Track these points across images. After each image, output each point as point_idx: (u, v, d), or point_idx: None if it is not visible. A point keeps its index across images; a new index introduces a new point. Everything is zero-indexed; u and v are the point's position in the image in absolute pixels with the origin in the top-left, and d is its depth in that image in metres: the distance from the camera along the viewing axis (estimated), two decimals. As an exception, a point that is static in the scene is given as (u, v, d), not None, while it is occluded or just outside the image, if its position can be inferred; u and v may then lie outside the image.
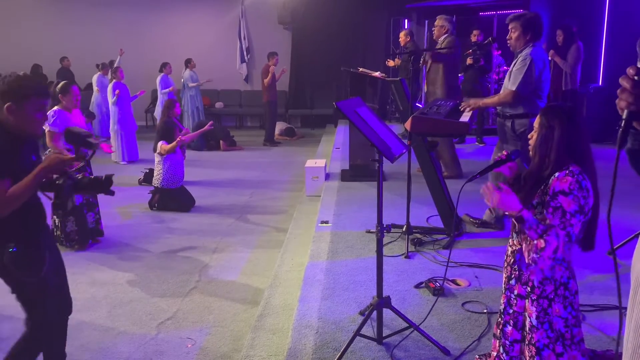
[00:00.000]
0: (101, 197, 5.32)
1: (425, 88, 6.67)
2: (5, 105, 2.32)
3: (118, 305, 3.93)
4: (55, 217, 4.96)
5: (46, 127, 4.74)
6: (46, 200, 2.61)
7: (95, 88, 10.49)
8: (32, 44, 12.91)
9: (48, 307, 2.56)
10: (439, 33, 6.31)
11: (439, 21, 6.31)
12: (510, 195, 2.09)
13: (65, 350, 2.78)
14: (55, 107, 4.81)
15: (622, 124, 1.17)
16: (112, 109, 8.89)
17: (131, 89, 9.18)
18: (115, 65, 9.64)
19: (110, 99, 8.85)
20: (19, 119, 2.35)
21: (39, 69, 12.70)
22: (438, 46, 6.27)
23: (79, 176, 2.60)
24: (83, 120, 5.07)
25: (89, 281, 4.34)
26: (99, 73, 10.54)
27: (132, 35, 12.79)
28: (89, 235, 5.06)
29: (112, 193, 2.63)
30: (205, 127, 6.93)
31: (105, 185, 2.59)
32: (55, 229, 4.99)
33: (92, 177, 2.63)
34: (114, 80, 8.86)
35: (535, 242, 2.07)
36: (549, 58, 8.02)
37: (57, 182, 2.53)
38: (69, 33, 12.93)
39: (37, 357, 2.67)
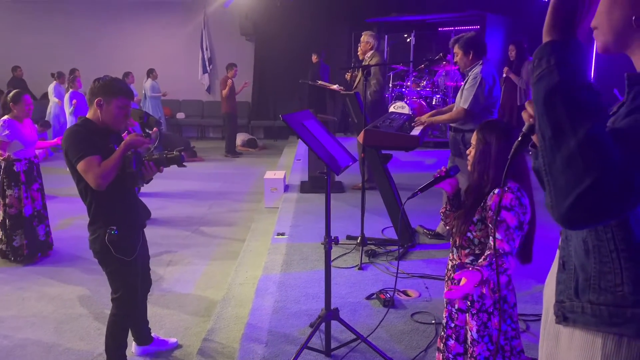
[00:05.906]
0: (51, 209, 5.22)
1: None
2: (96, 100, 2.68)
3: (65, 321, 3.82)
4: (0, 231, 4.81)
5: None
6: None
7: (54, 99, 10.09)
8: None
9: (135, 285, 2.88)
10: (365, 49, 6.26)
11: (364, 37, 6.26)
12: (468, 276, 2.02)
13: (147, 318, 3.28)
14: (6, 117, 4.67)
15: (520, 136, 1.27)
16: (69, 119, 8.70)
17: (89, 99, 8.98)
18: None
19: (67, 109, 8.66)
20: (106, 114, 2.70)
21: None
22: (365, 62, 6.19)
23: (150, 152, 2.86)
24: (35, 130, 4.94)
25: (37, 296, 4.21)
26: (55, 82, 10.24)
27: (91, 44, 12.54)
28: (39, 249, 4.91)
29: (184, 166, 2.84)
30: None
31: (177, 159, 2.78)
32: (0, 244, 4.84)
33: (162, 153, 2.82)
34: (71, 90, 8.68)
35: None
36: (504, 75, 8.25)
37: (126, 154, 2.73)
38: (23, 42, 12.56)
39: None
